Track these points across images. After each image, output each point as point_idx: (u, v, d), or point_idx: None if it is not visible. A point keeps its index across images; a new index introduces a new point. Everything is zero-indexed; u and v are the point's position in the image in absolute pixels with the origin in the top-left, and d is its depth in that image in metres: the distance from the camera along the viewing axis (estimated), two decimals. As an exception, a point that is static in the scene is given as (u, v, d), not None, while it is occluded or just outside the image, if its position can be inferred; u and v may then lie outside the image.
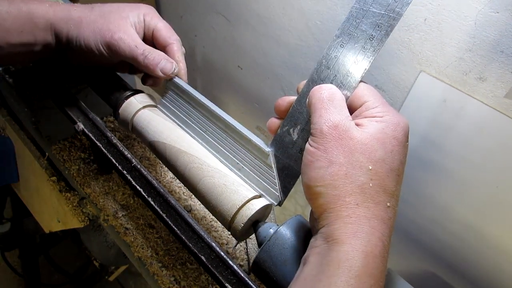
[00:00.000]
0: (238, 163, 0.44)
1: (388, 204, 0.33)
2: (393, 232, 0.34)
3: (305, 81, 0.40)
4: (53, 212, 0.80)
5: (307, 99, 0.38)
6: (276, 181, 0.41)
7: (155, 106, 0.53)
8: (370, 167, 0.33)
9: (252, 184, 0.43)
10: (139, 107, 0.51)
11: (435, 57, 0.61)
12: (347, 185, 0.33)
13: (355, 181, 0.33)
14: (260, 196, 0.42)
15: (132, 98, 0.52)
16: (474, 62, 0.57)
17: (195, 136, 0.49)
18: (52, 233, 0.89)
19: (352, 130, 0.34)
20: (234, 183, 0.42)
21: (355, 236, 0.31)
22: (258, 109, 1.04)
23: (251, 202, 0.41)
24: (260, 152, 0.42)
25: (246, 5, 0.90)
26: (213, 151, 0.47)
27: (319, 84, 0.38)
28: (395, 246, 0.83)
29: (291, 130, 0.40)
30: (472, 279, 0.76)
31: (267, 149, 0.42)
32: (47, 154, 0.71)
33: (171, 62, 0.49)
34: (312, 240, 0.35)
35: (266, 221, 0.43)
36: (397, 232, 0.84)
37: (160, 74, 0.48)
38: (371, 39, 0.36)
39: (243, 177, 0.44)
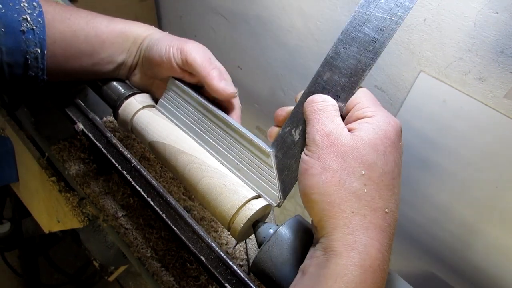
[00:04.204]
0: (237, 163, 0.44)
1: (386, 210, 0.33)
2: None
3: (301, 93, 0.41)
4: (53, 212, 0.80)
5: (303, 107, 0.39)
6: (276, 181, 0.41)
7: (155, 106, 0.53)
8: (363, 172, 0.33)
9: (252, 185, 0.43)
10: (139, 107, 0.51)
11: (435, 58, 0.61)
12: (341, 192, 0.32)
13: (349, 187, 0.32)
14: (259, 196, 0.42)
15: (132, 98, 0.52)
16: (474, 62, 0.57)
17: (194, 137, 0.49)
18: (51, 233, 0.89)
19: (344, 136, 0.34)
20: (233, 183, 0.42)
21: (353, 248, 0.31)
22: (257, 109, 1.04)
23: (250, 202, 0.41)
24: (261, 152, 0.43)
25: (245, 6, 0.90)
26: (212, 152, 0.47)
27: (322, 85, 0.39)
28: (394, 245, 0.83)
29: (292, 131, 0.41)
30: (471, 278, 0.76)
31: (268, 149, 0.42)
32: (46, 154, 0.71)
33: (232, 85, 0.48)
34: (311, 250, 0.35)
35: (265, 221, 0.43)
36: (396, 231, 0.84)
37: (221, 86, 0.46)
38: (374, 42, 0.37)
39: (243, 178, 0.44)
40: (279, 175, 0.41)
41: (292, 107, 0.41)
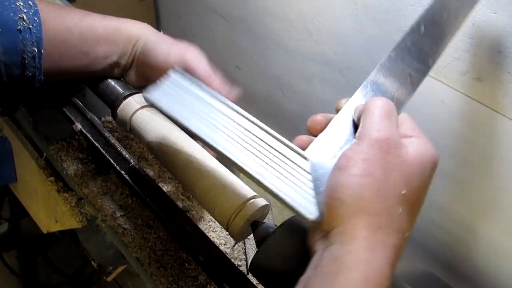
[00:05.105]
0: (263, 166, 0.36)
1: (407, 234, 0.31)
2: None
3: (345, 100, 0.38)
4: (51, 212, 0.79)
5: (356, 112, 0.36)
6: (312, 192, 0.34)
7: (154, 106, 0.53)
8: (404, 192, 0.30)
9: (281, 191, 0.34)
10: (138, 107, 0.51)
11: (433, 58, 0.61)
12: (375, 203, 0.29)
13: (384, 201, 0.30)
14: (258, 196, 0.42)
15: (130, 98, 0.52)
16: (472, 62, 0.57)
17: (206, 133, 0.38)
18: (50, 233, 0.89)
19: (401, 148, 0.31)
20: (232, 183, 0.42)
21: (368, 264, 0.28)
22: (256, 110, 1.04)
23: (249, 202, 0.41)
24: (297, 158, 0.36)
25: (244, 6, 0.90)
26: (231, 151, 0.36)
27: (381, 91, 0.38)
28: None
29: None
30: (471, 279, 0.76)
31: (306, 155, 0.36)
32: (45, 154, 0.71)
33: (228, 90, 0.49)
34: (317, 256, 0.31)
35: (264, 221, 0.43)
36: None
37: (226, 90, 0.48)
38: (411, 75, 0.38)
39: (270, 182, 0.35)
40: (315, 187, 0.34)
41: (333, 115, 0.37)
